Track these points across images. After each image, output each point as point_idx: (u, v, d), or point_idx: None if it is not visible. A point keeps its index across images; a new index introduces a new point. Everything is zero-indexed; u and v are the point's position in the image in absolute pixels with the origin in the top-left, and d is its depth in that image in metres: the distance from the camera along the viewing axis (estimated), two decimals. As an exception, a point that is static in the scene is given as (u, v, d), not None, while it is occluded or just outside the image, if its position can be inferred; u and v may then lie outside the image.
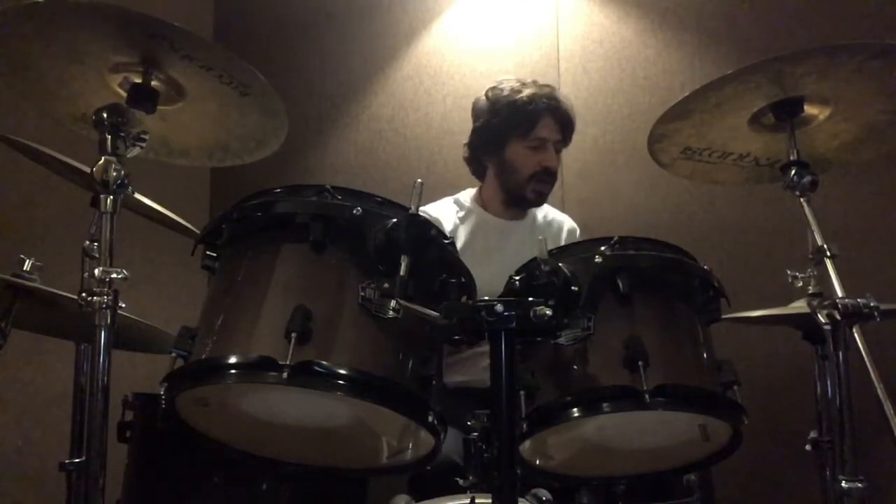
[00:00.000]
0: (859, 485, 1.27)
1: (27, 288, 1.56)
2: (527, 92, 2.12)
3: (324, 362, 1.04)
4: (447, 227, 2.16)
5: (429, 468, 1.21)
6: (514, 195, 2.18)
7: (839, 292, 1.30)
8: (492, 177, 2.21)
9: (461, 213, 2.22)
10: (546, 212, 2.31)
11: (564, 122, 2.15)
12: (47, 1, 1.27)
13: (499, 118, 2.13)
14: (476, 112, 2.20)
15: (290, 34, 3.15)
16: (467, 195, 2.27)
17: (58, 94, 1.47)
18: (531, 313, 1.04)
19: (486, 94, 2.18)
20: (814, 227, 1.39)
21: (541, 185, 2.15)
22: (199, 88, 1.43)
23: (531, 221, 2.26)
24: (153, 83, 1.39)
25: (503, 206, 2.22)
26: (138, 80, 1.38)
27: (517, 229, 2.22)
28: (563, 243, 2.20)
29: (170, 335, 1.18)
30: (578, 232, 2.33)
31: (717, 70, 1.45)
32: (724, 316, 1.30)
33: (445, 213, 2.21)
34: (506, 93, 2.13)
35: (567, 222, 2.32)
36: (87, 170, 1.34)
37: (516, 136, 2.12)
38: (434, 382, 1.12)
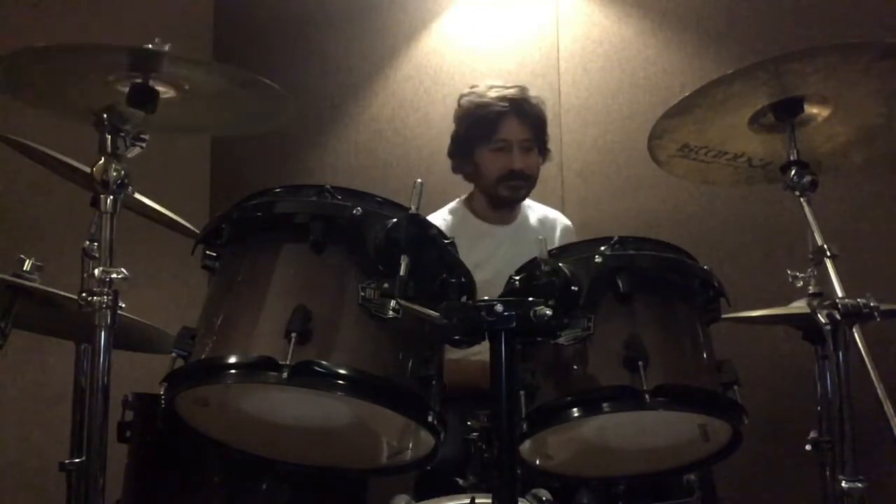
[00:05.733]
0: (859, 485, 1.27)
1: (27, 288, 1.57)
2: (490, 95, 2.13)
3: (324, 362, 1.04)
4: None
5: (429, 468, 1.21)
6: (492, 197, 2.20)
7: (839, 292, 1.30)
8: (473, 183, 2.24)
9: (453, 221, 2.23)
10: (538, 212, 2.31)
11: (531, 120, 2.14)
12: (45, 47, 1.29)
13: (465, 125, 2.16)
14: (453, 121, 2.23)
15: (290, 34, 3.15)
16: (459, 202, 2.29)
17: (59, 96, 1.48)
18: (531, 313, 1.04)
19: (459, 102, 2.20)
20: (814, 227, 1.39)
21: (511, 186, 2.15)
22: (199, 83, 1.42)
23: (520, 224, 2.25)
24: (152, 83, 1.39)
25: (489, 209, 2.23)
26: (139, 80, 1.38)
27: (503, 233, 2.22)
28: (557, 242, 2.19)
29: (170, 335, 1.18)
30: (570, 225, 2.31)
31: (717, 70, 1.44)
32: (724, 316, 1.30)
33: (438, 223, 2.20)
34: (472, 99, 2.15)
35: (560, 221, 2.32)
36: (87, 170, 1.35)
37: (481, 141, 2.14)
38: (434, 382, 1.12)
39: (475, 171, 2.20)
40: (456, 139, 2.21)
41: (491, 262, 2.08)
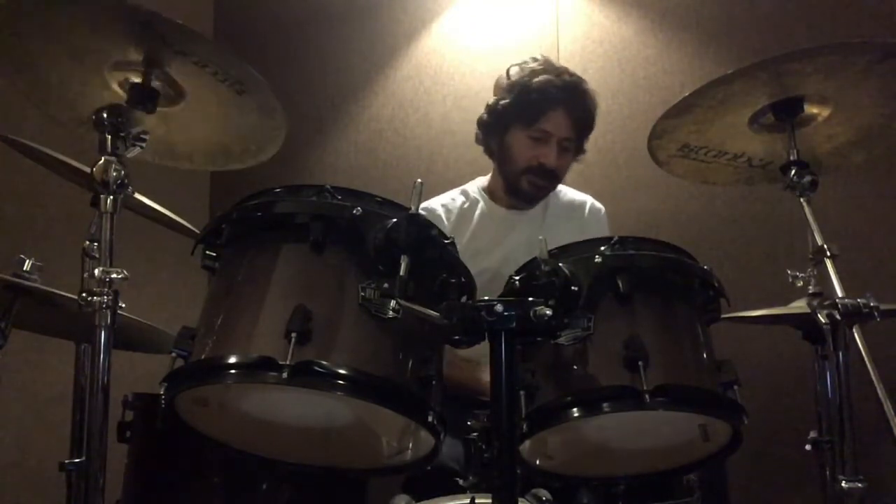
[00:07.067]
0: (859, 485, 1.27)
1: (27, 288, 1.57)
2: (543, 77, 1.94)
3: (324, 362, 1.03)
4: (451, 219, 2.07)
5: (428, 469, 1.21)
6: (510, 185, 2.06)
7: (839, 292, 1.30)
8: (495, 162, 2.11)
9: (466, 204, 2.12)
10: (566, 196, 2.17)
11: (580, 119, 1.98)
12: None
13: (508, 99, 1.97)
14: (495, 89, 2.05)
15: (289, 34, 3.15)
16: (475, 184, 2.18)
17: (59, 96, 1.47)
18: (531, 313, 1.03)
19: (508, 72, 2.02)
20: (814, 227, 1.39)
21: (535, 183, 2.02)
22: (197, 87, 1.42)
23: (540, 211, 2.12)
24: (153, 83, 1.39)
25: (505, 194, 2.10)
26: (138, 80, 1.38)
27: (523, 220, 2.10)
28: (584, 224, 2.12)
29: (170, 335, 1.18)
30: (604, 211, 2.19)
31: (717, 70, 1.44)
32: (724, 316, 1.30)
33: (451, 204, 2.12)
34: (524, 74, 1.97)
35: (589, 202, 2.19)
36: (87, 170, 1.35)
37: (520, 123, 1.97)
38: (434, 382, 1.12)
39: (502, 151, 2.04)
40: (493, 110, 2.01)
41: (499, 248, 2.02)
